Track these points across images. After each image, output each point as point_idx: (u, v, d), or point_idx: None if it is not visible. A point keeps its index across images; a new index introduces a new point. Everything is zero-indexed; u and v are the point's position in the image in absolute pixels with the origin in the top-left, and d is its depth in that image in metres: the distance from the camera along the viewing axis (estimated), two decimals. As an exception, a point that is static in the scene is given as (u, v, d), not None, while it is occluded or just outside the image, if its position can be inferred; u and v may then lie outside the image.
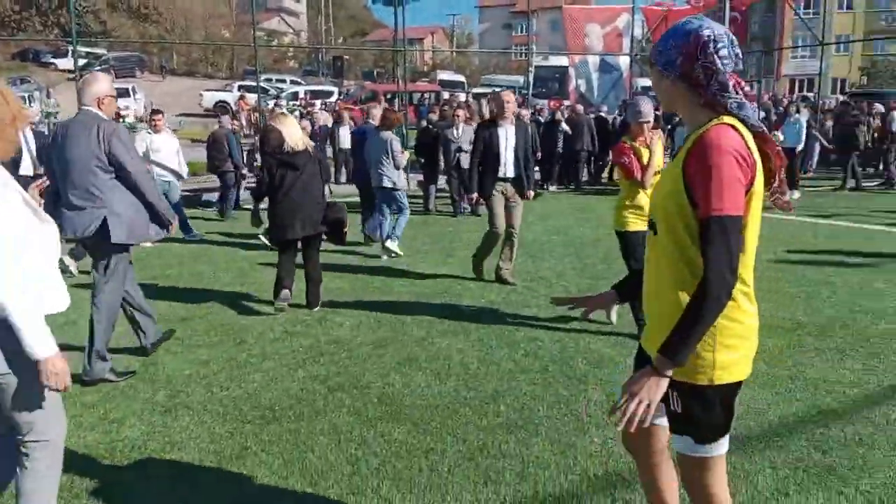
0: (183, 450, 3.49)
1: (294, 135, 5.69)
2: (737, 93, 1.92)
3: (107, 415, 3.91)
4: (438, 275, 7.17)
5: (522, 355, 4.79)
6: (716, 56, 1.89)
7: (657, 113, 13.14)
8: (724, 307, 1.83)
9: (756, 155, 1.89)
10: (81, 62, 34.33)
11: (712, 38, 1.89)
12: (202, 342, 5.14)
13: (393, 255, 8.07)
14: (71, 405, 4.06)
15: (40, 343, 2.20)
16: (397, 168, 8.08)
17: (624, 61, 19.01)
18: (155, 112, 10.10)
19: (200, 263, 7.88)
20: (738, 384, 1.98)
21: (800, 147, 13.21)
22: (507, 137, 6.52)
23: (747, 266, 1.93)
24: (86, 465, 3.36)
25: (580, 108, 15.07)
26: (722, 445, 1.99)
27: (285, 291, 5.82)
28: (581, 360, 4.67)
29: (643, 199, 4.89)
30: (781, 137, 13.22)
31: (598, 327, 5.31)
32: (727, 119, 1.90)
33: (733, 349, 1.91)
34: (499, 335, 5.22)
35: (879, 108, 16.97)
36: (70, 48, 40.78)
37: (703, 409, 1.94)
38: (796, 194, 12.93)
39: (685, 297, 1.88)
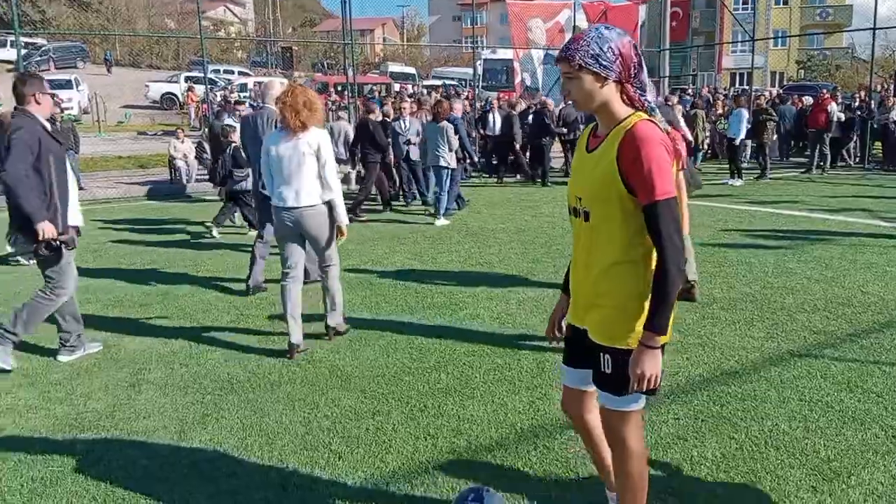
0: (148, 418, 3.80)
1: None
2: (646, 91, 2.20)
3: (73, 390, 4.18)
4: (388, 260, 7.53)
5: (464, 330, 5.19)
6: (640, 59, 2.19)
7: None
8: (683, 273, 2.11)
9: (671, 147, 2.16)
10: (22, 52, 33.45)
11: (635, 44, 2.17)
12: (161, 324, 5.41)
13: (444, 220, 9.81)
14: (39, 382, 4.32)
15: (345, 217, 4.74)
16: (450, 150, 9.83)
17: (568, 55, 19.55)
18: (238, 102, 11.78)
19: (154, 250, 8.09)
20: (662, 347, 2.21)
21: (740, 137, 13.86)
22: None
23: None
24: (55, 434, 3.64)
25: (548, 100, 15.30)
26: (640, 401, 2.30)
27: None
28: (517, 334, 5.10)
29: None
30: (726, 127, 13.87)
31: (532, 306, 5.75)
32: (643, 115, 2.16)
33: None
34: (444, 314, 5.61)
35: (808, 100, 17.95)
36: (8, 38, 39.70)
37: None
38: (738, 182, 13.60)
39: (625, 272, 2.16)
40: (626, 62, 2.15)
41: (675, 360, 4.54)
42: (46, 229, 4.25)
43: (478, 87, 24.58)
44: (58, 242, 4.32)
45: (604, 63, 2.12)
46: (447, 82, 32.71)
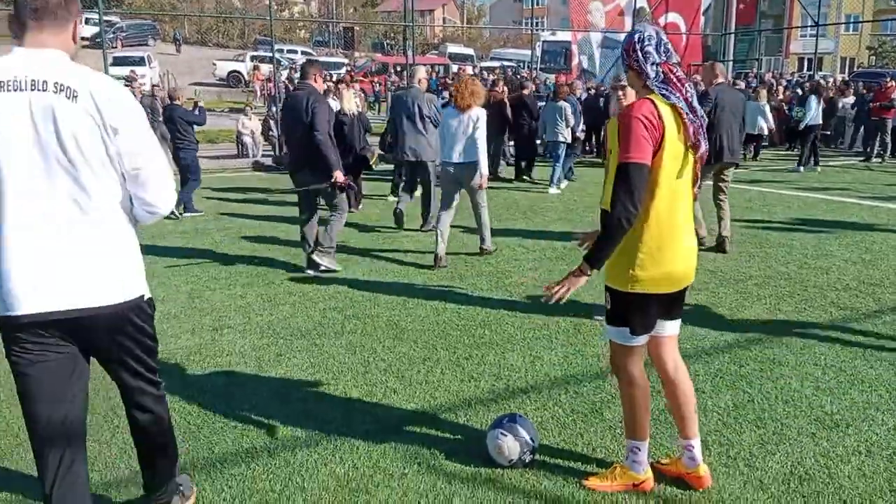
0: (230, 355, 4.40)
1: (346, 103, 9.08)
2: (666, 78, 2.62)
3: (164, 332, 4.81)
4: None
5: (508, 295, 5.66)
6: (640, 52, 2.63)
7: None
8: (625, 230, 2.51)
9: (668, 122, 2.55)
10: (96, 30, 34.97)
11: (641, 38, 2.64)
12: (238, 282, 6.04)
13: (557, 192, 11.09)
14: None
15: (486, 170, 6.46)
16: (567, 127, 11.06)
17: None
18: (338, 81, 12.79)
19: (235, 218, 8.79)
20: (652, 296, 2.65)
21: (805, 124, 13.83)
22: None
23: (659, 204, 2.58)
24: (155, 364, 4.26)
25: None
26: (638, 339, 2.73)
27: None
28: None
29: None
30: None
31: (575, 276, 6.15)
32: (651, 95, 2.60)
33: (643, 268, 2.60)
34: (490, 280, 6.09)
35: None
36: (84, 15, 41.39)
37: (624, 309, 2.70)
38: (818, 169, 13.63)
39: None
40: (629, 54, 2.66)
41: (704, 326, 4.91)
42: (340, 177, 5.88)
43: (535, 68, 24.75)
44: (345, 185, 6.03)
45: (624, 58, 2.71)
46: (505, 63, 32.84)
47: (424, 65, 30.13)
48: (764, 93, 15.83)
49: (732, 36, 26.55)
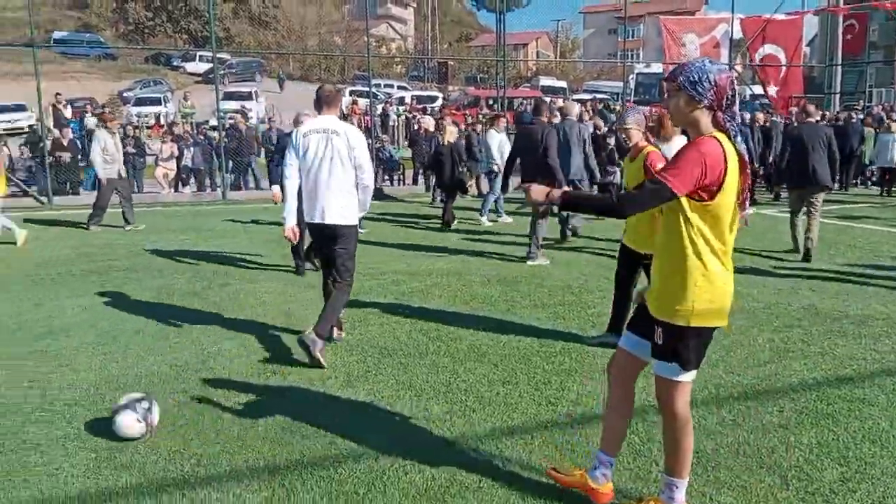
0: (322, 370, 4.67)
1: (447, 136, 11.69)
2: (735, 120, 2.64)
3: (266, 343, 5.16)
4: (523, 261, 8.16)
5: (591, 326, 5.71)
6: (735, 92, 2.61)
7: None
8: (609, 215, 2.63)
9: (731, 165, 2.51)
10: (208, 66, 37.34)
11: (733, 78, 2.59)
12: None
13: None
14: (239, 337, 5.33)
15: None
16: None
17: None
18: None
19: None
20: (709, 330, 2.66)
21: None
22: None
23: (716, 240, 2.58)
24: (253, 376, 4.59)
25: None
26: (688, 374, 2.72)
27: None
28: (640, 331, 5.54)
29: None
30: None
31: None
32: (718, 134, 2.56)
33: (701, 302, 2.59)
34: (573, 310, 6.16)
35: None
36: (197, 53, 44.56)
37: (677, 343, 2.66)
38: None
39: (673, 260, 2.63)
40: (720, 93, 2.55)
41: (793, 364, 4.82)
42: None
43: (629, 100, 24.63)
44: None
45: (699, 90, 2.55)
46: (598, 96, 32.78)
47: (515, 97, 30.71)
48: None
49: (839, 67, 25.58)
